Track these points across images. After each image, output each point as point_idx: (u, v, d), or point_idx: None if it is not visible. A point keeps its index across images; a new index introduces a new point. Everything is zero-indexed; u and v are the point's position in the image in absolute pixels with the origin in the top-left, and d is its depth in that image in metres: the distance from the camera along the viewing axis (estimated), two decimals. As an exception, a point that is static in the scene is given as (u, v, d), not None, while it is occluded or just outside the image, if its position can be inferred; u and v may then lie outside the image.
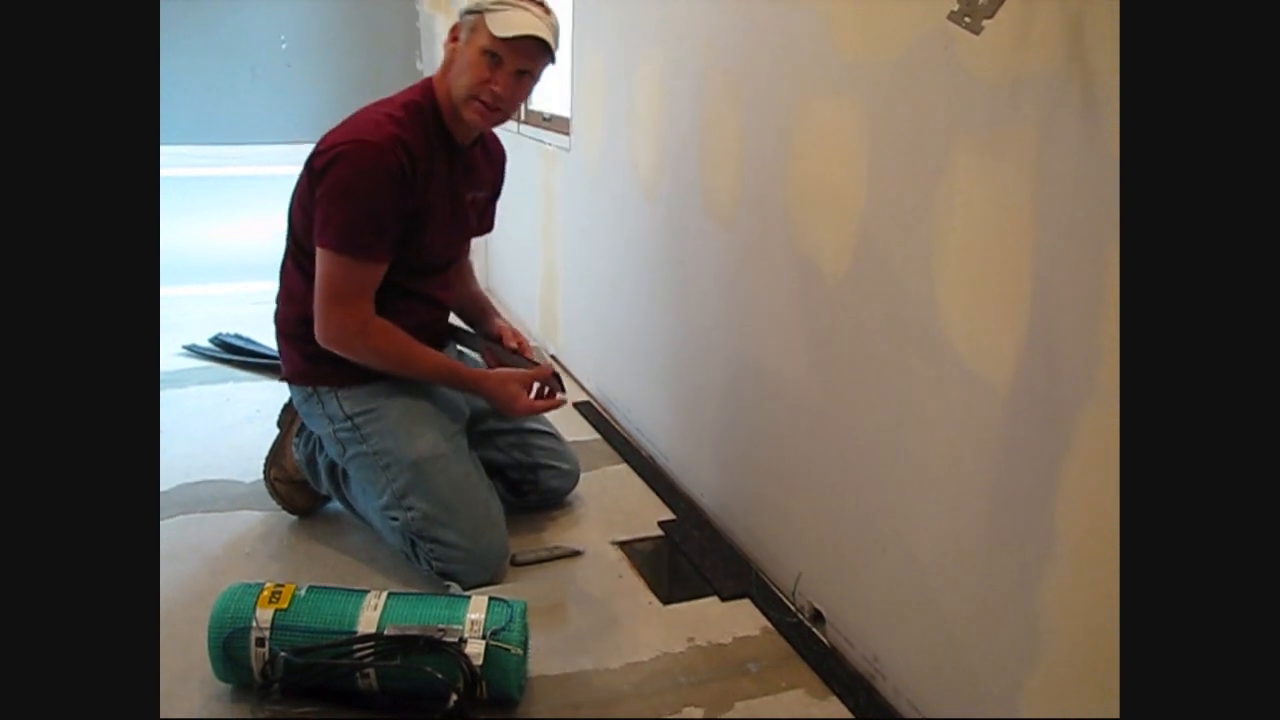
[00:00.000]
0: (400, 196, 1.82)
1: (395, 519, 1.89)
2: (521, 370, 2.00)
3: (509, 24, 1.82)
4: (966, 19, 1.16)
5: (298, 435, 2.11)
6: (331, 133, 1.85)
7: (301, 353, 1.94)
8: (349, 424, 1.92)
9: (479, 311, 2.25)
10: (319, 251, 1.82)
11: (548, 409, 2.01)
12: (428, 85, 1.94)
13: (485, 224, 2.21)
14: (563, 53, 3.12)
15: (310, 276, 1.87)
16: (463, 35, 1.88)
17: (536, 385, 2.00)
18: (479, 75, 1.85)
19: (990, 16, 1.15)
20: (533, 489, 2.17)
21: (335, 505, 2.13)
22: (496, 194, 2.20)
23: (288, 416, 2.17)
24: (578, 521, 2.18)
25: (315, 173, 1.82)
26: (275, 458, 2.15)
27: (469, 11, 1.87)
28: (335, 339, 1.86)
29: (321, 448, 2.04)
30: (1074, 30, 1.13)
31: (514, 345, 2.11)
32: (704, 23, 2.06)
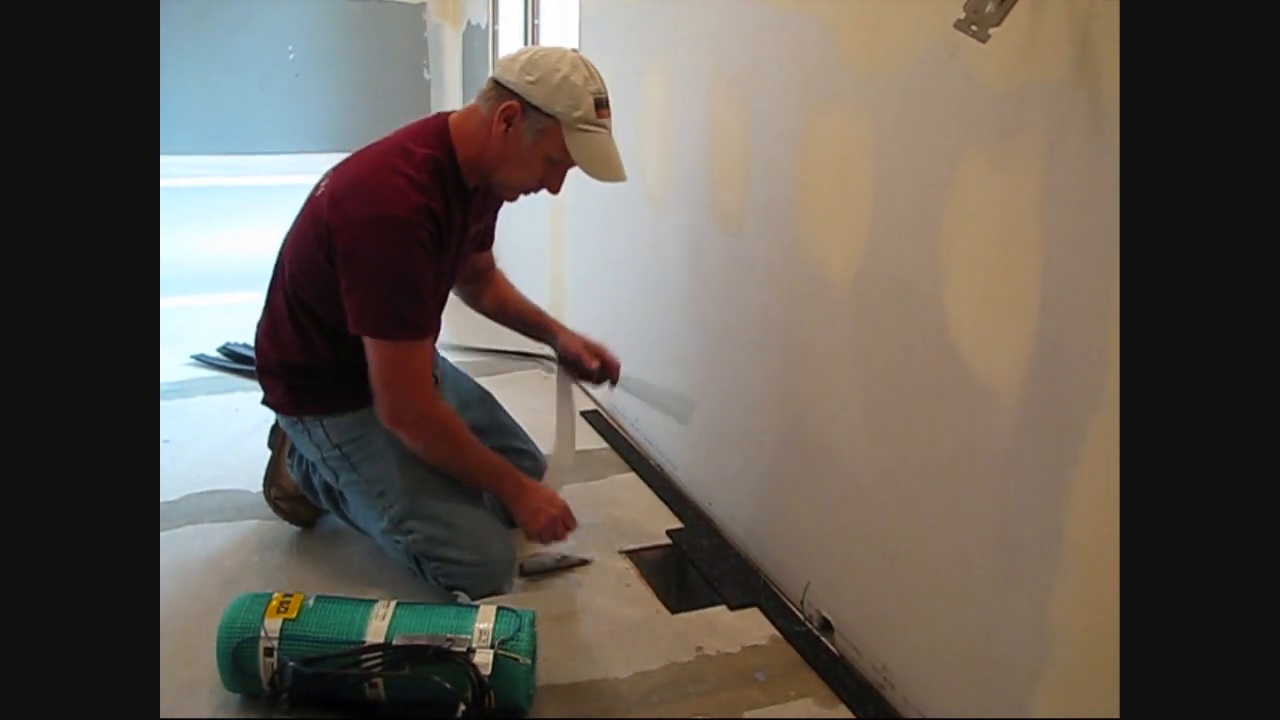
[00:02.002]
0: (433, 266, 1.76)
1: (398, 541, 1.88)
2: (564, 506, 1.90)
3: (595, 158, 1.74)
4: (973, 27, 1.16)
5: (290, 455, 2.09)
6: (348, 192, 1.73)
7: (283, 385, 1.92)
8: (337, 452, 1.89)
9: (540, 327, 2.20)
10: (368, 340, 1.75)
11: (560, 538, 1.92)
12: (445, 136, 1.79)
13: (486, 241, 2.15)
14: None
15: (304, 331, 1.84)
16: (525, 131, 1.73)
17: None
18: (537, 177, 1.79)
19: (997, 25, 1.15)
20: None
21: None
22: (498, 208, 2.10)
23: (278, 437, 2.14)
24: (585, 530, 2.16)
25: (336, 247, 1.71)
26: (273, 478, 2.13)
27: (534, 107, 1.71)
28: (403, 422, 1.80)
29: (315, 468, 2.02)
30: (1081, 38, 1.13)
31: (595, 365, 2.10)
32: (711, 34, 2.07)
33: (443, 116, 1.83)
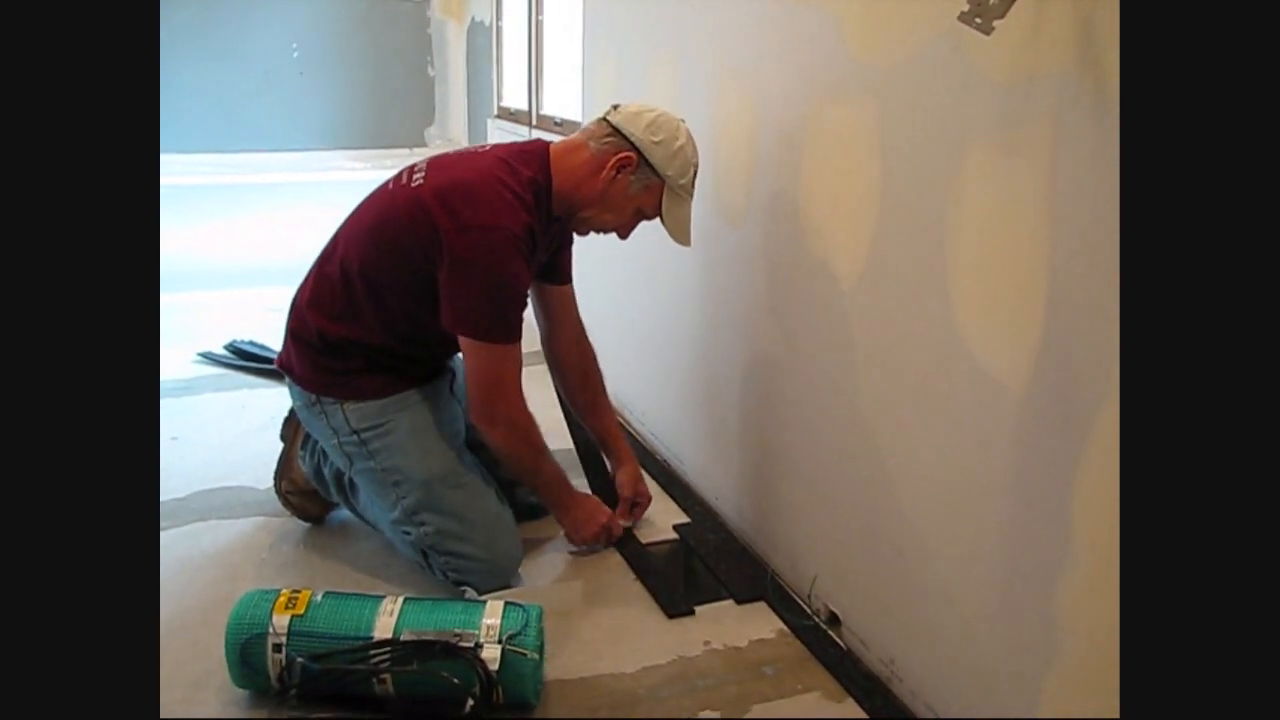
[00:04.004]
0: (529, 280, 1.86)
1: (408, 533, 1.88)
2: (609, 512, 2.07)
3: (680, 221, 1.89)
4: (977, 19, 1.16)
5: (303, 447, 2.10)
6: (461, 199, 1.75)
7: (311, 361, 1.91)
8: (355, 438, 1.89)
9: (608, 445, 2.22)
10: (471, 343, 1.80)
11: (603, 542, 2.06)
12: (546, 164, 1.87)
13: (559, 275, 2.13)
14: (574, 55, 3.13)
15: (359, 309, 1.85)
16: (633, 181, 1.85)
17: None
18: (621, 223, 1.93)
19: (1001, 16, 1.15)
20: (510, 503, 2.06)
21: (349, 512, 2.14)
22: (568, 243, 2.11)
23: (290, 429, 2.15)
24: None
25: (445, 249, 1.74)
26: (284, 471, 2.14)
27: (650, 164, 1.83)
28: (501, 423, 1.86)
29: (327, 457, 2.02)
30: (1085, 29, 1.13)
31: (625, 523, 2.12)
32: (716, 27, 2.06)
33: (544, 144, 1.92)
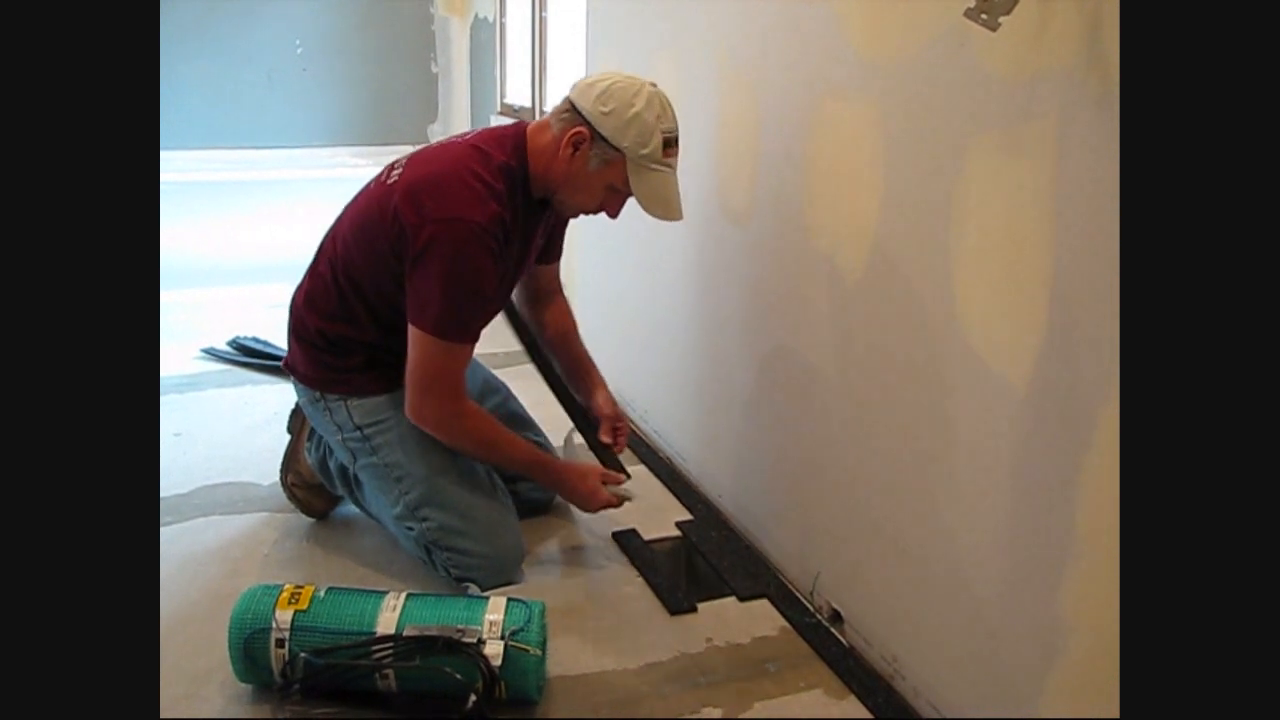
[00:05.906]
0: (497, 274, 1.79)
1: (411, 529, 1.88)
2: (601, 469, 2.01)
3: (654, 196, 1.77)
4: (983, 16, 1.16)
5: (309, 439, 2.10)
6: (425, 191, 1.72)
7: (313, 359, 1.92)
8: (359, 434, 1.90)
9: (586, 378, 2.18)
10: (416, 333, 1.75)
11: (616, 505, 2.00)
12: (520, 147, 1.81)
13: (552, 254, 2.13)
14: (576, 54, 3.13)
15: (350, 306, 1.85)
16: (591, 159, 1.76)
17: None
18: (597, 202, 1.83)
19: (1007, 13, 1.15)
20: (513, 498, 2.06)
21: (353, 506, 2.14)
22: (563, 223, 2.10)
23: (297, 422, 2.15)
24: (595, 521, 2.17)
25: (408, 243, 1.72)
26: (290, 464, 2.14)
27: (603, 138, 1.73)
28: (430, 421, 1.82)
29: (332, 451, 2.03)
30: (1091, 25, 1.12)
31: (608, 440, 2.09)
32: (720, 23, 2.06)
33: (522, 125, 1.86)
